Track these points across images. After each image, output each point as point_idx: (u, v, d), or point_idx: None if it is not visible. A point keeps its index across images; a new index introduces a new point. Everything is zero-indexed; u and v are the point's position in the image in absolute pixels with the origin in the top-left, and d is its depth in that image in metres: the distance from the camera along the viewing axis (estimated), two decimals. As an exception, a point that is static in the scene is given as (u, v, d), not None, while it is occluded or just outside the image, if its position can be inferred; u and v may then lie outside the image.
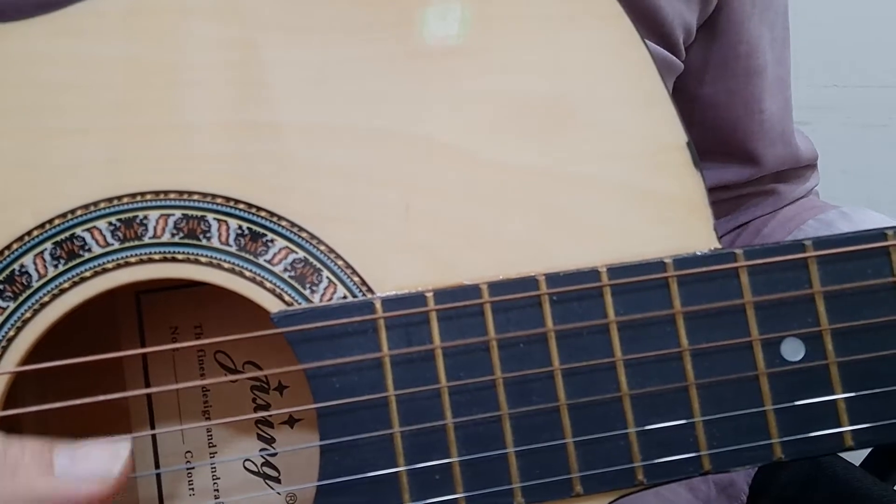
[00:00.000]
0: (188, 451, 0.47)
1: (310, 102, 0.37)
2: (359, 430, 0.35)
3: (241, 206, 0.36)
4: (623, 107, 0.37)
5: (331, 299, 0.36)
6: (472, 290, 0.35)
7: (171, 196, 0.36)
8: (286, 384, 0.47)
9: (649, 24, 0.53)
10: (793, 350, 0.36)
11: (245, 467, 0.47)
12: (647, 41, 0.37)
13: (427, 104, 0.37)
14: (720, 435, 0.35)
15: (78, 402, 0.35)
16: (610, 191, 0.37)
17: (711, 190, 0.37)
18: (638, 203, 0.37)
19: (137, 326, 0.47)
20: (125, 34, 0.37)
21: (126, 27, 0.37)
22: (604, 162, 0.37)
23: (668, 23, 0.53)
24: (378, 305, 0.35)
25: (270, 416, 0.46)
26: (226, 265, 0.36)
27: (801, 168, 0.65)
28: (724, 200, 0.65)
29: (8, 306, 0.36)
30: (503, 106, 0.37)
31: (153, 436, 0.47)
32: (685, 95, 0.60)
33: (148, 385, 0.47)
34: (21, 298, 0.36)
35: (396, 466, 0.35)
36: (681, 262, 0.36)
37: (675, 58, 0.55)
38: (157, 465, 0.47)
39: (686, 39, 0.56)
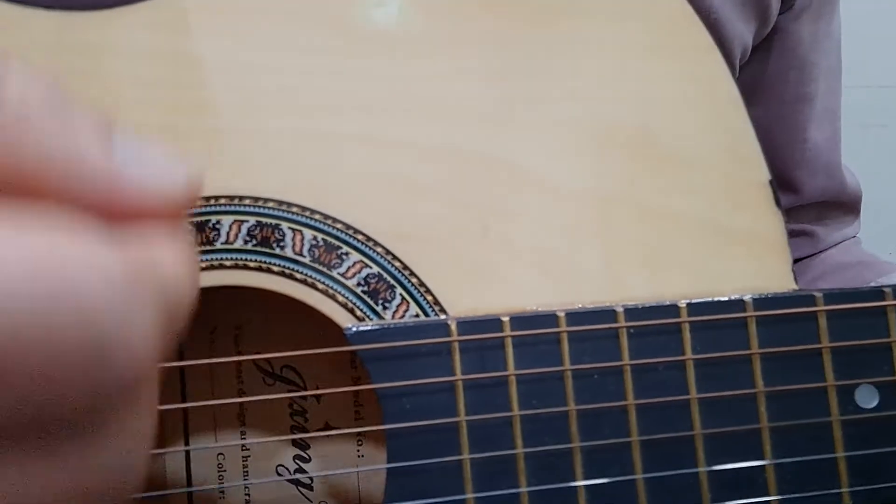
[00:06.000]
0: (220, 454, 0.46)
1: (394, 118, 0.36)
2: (427, 453, 0.34)
3: (318, 216, 0.35)
4: (707, 141, 0.37)
5: (403, 317, 0.35)
6: (549, 318, 0.35)
7: (246, 202, 0.35)
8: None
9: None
10: (867, 397, 0.35)
11: (278, 473, 0.46)
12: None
13: (512, 128, 0.36)
14: (790, 479, 0.35)
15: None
16: (689, 225, 0.36)
17: None
18: (717, 238, 0.36)
19: (175, 324, 0.46)
20: (208, 32, 0.35)
21: (208, 24, 0.35)
22: (685, 195, 0.36)
23: (728, 40, 0.52)
24: (453, 327, 0.35)
25: (307, 428, 0.46)
26: (298, 276, 0.35)
27: (842, 209, 0.64)
28: None
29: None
30: (587, 133, 0.36)
31: (185, 436, 0.46)
32: None
33: (184, 385, 0.46)
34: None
35: (464, 493, 0.34)
36: (760, 301, 0.35)
37: None
38: (188, 468, 0.46)
39: (742, 59, 0.55)
